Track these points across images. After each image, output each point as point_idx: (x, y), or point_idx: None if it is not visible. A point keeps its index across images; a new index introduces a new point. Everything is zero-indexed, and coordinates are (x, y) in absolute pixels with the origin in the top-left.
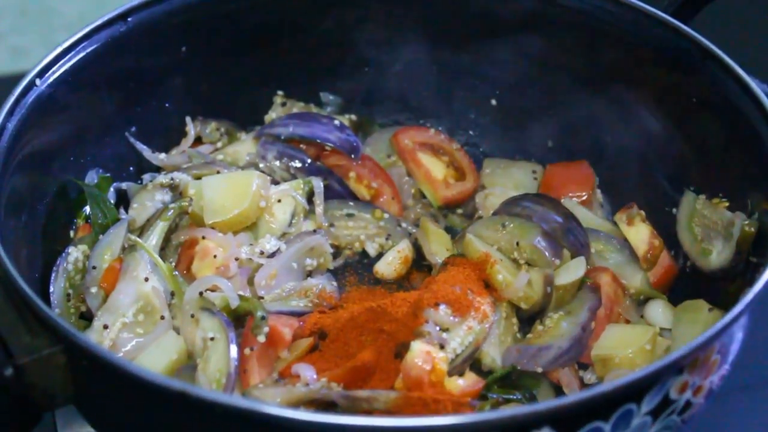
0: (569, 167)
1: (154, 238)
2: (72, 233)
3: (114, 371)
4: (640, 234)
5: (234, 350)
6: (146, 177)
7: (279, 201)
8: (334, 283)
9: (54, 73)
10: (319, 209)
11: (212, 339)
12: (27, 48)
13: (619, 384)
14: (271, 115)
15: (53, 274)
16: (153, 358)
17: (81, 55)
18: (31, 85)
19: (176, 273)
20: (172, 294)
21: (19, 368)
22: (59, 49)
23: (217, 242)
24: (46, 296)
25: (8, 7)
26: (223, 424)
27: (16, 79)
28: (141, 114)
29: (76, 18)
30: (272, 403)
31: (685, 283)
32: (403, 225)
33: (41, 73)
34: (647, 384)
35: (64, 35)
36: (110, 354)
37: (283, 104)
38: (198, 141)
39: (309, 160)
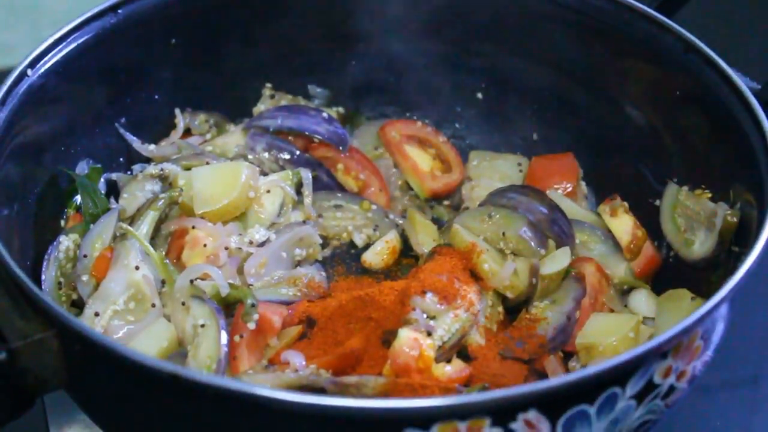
0: (554, 159)
1: (144, 228)
2: (63, 222)
3: (106, 354)
4: (623, 225)
5: (224, 337)
6: (136, 168)
7: (268, 191)
8: (323, 273)
9: (45, 63)
10: (308, 200)
11: (203, 326)
12: (14, 44)
13: (604, 367)
14: (260, 107)
15: (45, 263)
16: (144, 344)
17: (72, 46)
18: (23, 75)
19: (167, 261)
20: (163, 282)
21: (12, 352)
22: (50, 40)
23: (206, 232)
24: (37, 284)
25: None
26: (215, 407)
27: (3, 74)
28: (131, 105)
29: (64, 14)
30: (264, 386)
31: (668, 273)
32: (391, 216)
33: (32, 64)
34: (632, 368)
35: (52, 31)
36: (103, 337)
37: (272, 96)
38: (187, 133)
39: (297, 152)
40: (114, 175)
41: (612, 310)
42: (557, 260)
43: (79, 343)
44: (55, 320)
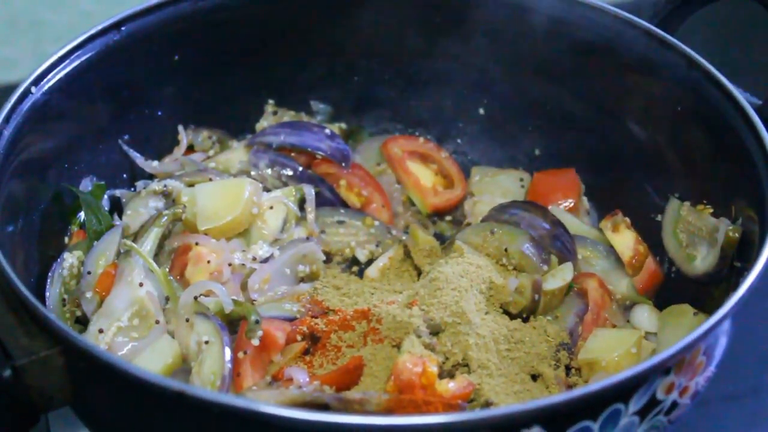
0: (556, 175)
1: (148, 244)
2: (67, 239)
3: (111, 372)
4: (625, 240)
5: (228, 353)
6: (139, 184)
7: (271, 208)
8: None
9: (49, 81)
10: (311, 216)
11: (207, 342)
12: (16, 59)
13: (607, 384)
14: (263, 123)
15: (49, 280)
16: (148, 361)
17: (75, 63)
18: (27, 92)
19: (170, 278)
20: (167, 299)
21: (17, 369)
22: (54, 57)
23: (210, 248)
24: (41, 301)
25: None
26: (220, 424)
27: (5, 89)
28: (134, 122)
29: (65, 29)
30: (269, 403)
31: (671, 288)
32: (393, 232)
33: (36, 81)
34: (635, 384)
35: (53, 46)
36: (108, 355)
37: (274, 113)
38: (190, 149)
39: (300, 168)
40: (117, 192)
41: (614, 326)
42: (560, 276)
43: (84, 360)
44: (60, 337)
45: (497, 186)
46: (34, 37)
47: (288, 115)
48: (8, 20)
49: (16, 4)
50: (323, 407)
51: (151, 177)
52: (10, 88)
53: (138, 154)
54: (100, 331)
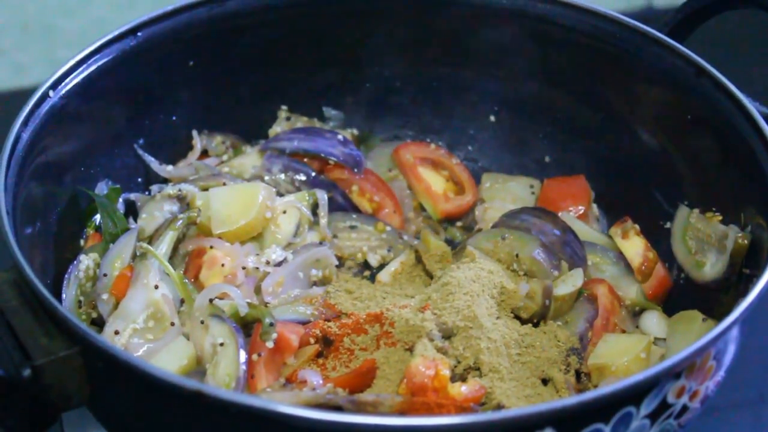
0: (566, 182)
1: (163, 247)
2: (82, 242)
3: (130, 372)
4: (634, 247)
5: (243, 355)
6: (154, 188)
7: (284, 212)
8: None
9: (66, 85)
10: (323, 221)
11: (222, 344)
12: (28, 64)
13: (619, 387)
14: (276, 129)
15: (65, 282)
16: (164, 363)
17: (92, 67)
18: (45, 96)
19: (185, 281)
20: (182, 301)
21: (36, 369)
22: (72, 62)
23: (224, 251)
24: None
25: (10, 24)
26: (237, 424)
27: (18, 95)
28: (149, 126)
29: (77, 35)
30: (286, 403)
31: (680, 295)
32: (405, 237)
33: (54, 85)
34: (646, 387)
35: (65, 52)
36: (126, 354)
37: (288, 118)
38: (204, 154)
39: (313, 174)
40: (132, 195)
41: (624, 331)
42: (570, 282)
43: (103, 360)
44: (79, 338)
45: (508, 192)
46: (46, 43)
47: (301, 121)
48: (21, 26)
49: (29, 10)
50: (336, 409)
51: (165, 181)
52: (22, 93)
53: (153, 159)
54: (116, 332)
